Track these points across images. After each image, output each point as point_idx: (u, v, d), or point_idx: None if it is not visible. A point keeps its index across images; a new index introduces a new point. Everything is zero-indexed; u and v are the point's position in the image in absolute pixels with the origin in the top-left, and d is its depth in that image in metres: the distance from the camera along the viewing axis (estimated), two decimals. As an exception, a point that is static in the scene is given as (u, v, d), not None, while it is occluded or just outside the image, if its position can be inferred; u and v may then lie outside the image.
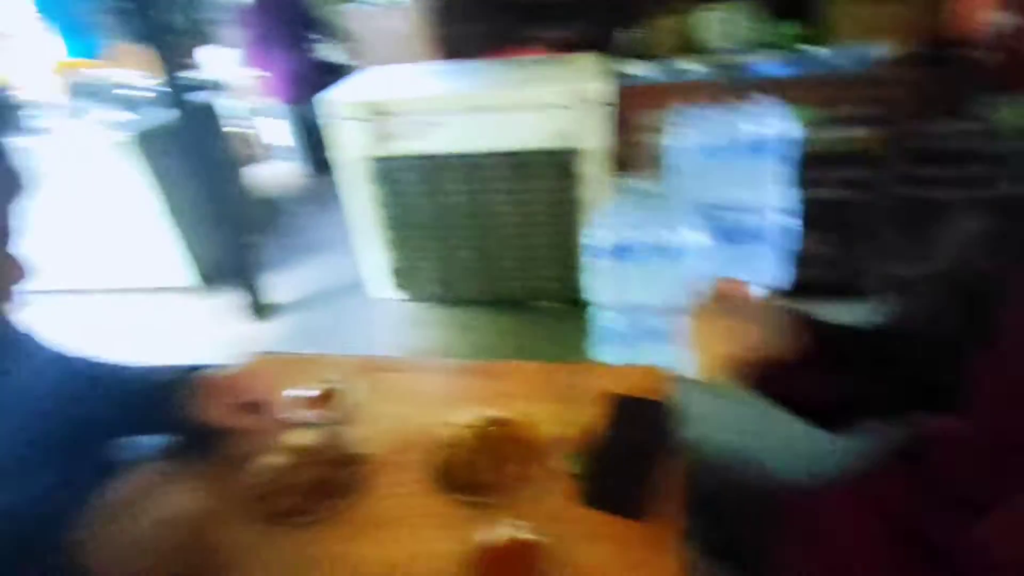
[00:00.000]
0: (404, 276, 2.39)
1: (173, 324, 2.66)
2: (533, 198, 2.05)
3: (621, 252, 1.72)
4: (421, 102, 2.00)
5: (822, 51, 2.04)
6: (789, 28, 2.19)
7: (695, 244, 1.68)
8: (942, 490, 0.56)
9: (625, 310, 1.78)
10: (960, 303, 0.65)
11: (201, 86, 2.97)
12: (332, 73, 4.27)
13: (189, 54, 3.86)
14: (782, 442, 0.93)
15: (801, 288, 1.97)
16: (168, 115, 2.22)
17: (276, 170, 4.47)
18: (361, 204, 2.23)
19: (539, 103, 1.90)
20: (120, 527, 0.50)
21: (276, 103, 4.02)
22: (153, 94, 2.59)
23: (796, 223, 1.81)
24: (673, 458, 0.69)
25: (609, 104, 1.90)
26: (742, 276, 0.75)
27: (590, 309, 1.84)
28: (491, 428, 0.74)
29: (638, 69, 2.11)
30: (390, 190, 2.18)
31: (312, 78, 3.92)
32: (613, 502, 0.65)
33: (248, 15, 3.72)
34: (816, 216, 1.94)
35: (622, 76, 2.06)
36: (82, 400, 0.70)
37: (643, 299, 1.71)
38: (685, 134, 1.83)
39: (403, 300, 2.46)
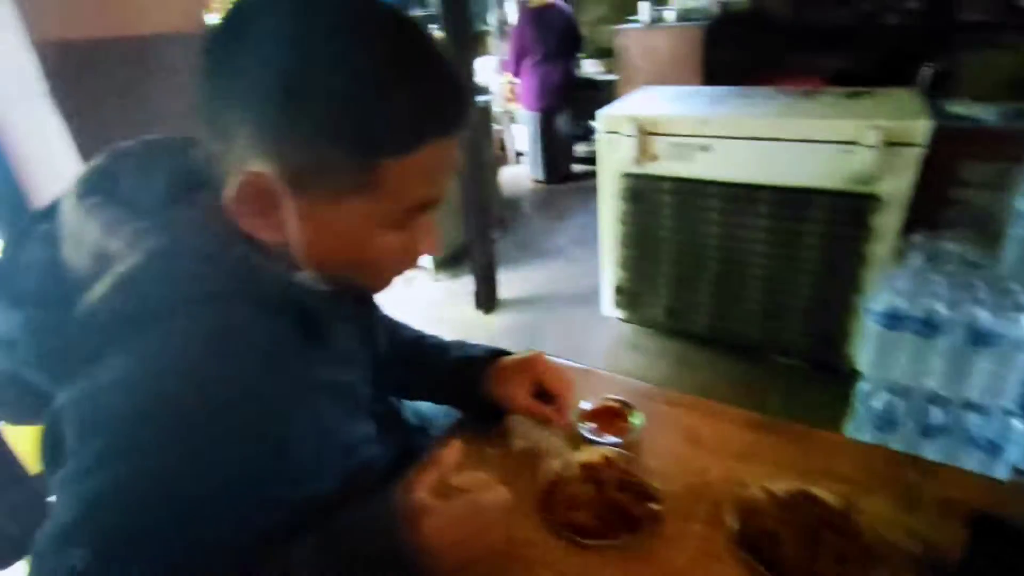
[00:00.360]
0: (630, 297, 2.33)
1: (408, 300, 2.96)
2: (801, 241, 1.84)
3: (916, 326, 1.45)
4: (693, 123, 1.92)
5: None
6: None
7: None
8: None
9: (910, 395, 1.49)
10: None
11: (481, 89, 3.26)
12: (584, 88, 4.42)
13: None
14: None
15: None
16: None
17: (516, 173, 4.76)
18: (608, 219, 2.23)
19: (833, 138, 1.69)
20: (443, 503, 0.51)
21: (523, 111, 4.28)
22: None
23: None
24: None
25: (924, 148, 1.61)
26: None
27: (859, 384, 1.57)
28: (804, 503, 0.63)
29: (970, 111, 1.76)
30: (637, 208, 2.14)
31: (562, 91, 4.10)
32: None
33: (516, 28, 4.01)
34: None
35: (946, 117, 1.74)
36: (408, 362, 0.77)
37: (939, 387, 1.42)
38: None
39: (625, 320, 2.40)
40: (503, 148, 4.93)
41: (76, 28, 1.20)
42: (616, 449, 0.73)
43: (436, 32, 3.91)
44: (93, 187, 0.50)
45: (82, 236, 0.47)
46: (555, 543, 0.63)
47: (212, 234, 0.48)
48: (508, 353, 0.81)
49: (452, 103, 0.48)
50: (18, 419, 0.62)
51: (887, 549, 0.59)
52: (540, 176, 4.45)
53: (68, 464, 0.42)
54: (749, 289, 2.02)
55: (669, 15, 3.65)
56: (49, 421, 0.46)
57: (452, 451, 0.55)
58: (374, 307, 0.73)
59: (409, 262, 0.56)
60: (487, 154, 2.99)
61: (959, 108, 1.80)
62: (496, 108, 4.52)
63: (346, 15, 0.45)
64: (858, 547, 0.59)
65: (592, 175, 4.35)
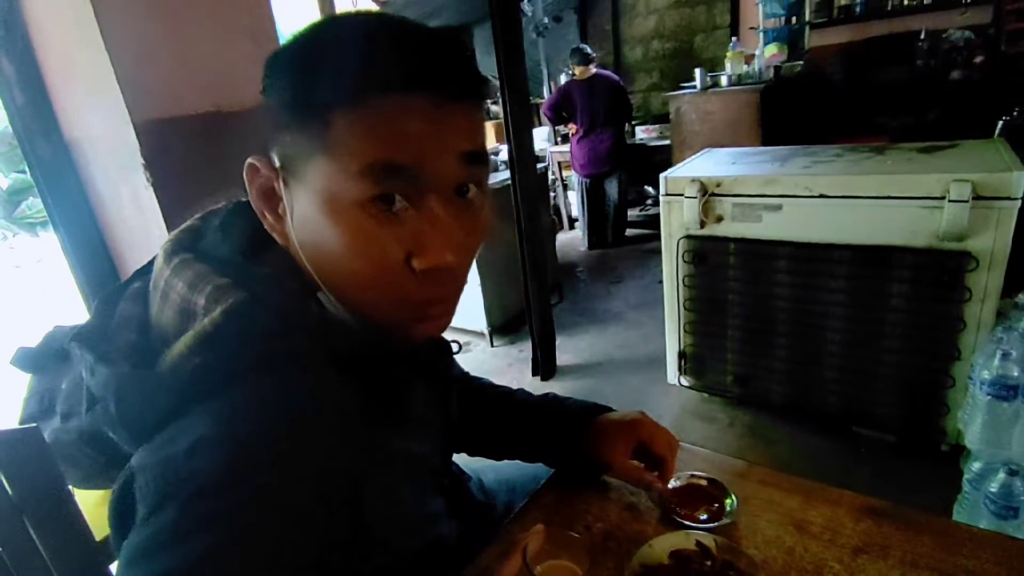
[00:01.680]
0: (695, 362, 2.22)
1: (465, 366, 2.93)
2: (886, 303, 1.71)
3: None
4: (759, 182, 1.87)
5: None
6: None
7: None
8: None
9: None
10: None
11: (536, 157, 3.34)
12: (638, 153, 4.47)
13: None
14: None
15: None
16: (509, 176, 2.50)
17: (570, 238, 4.78)
18: (671, 282, 2.16)
19: (914, 193, 1.60)
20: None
21: (576, 177, 4.34)
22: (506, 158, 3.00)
23: None
24: None
25: (1018, 200, 1.50)
26: None
27: (968, 463, 1.41)
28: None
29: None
30: (702, 271, 2.07)
31: (613, 157, 4.15)
32: None
33: (568, 95, 4.14)
34: None
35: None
36: (497, 418, 0.75)
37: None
38: None
39: (690, 387, 2.28)
40: (557, 214, 4.99)
41: (174, 108, 1.30)
42: (710, 535, 0.65)
43: (492, 105, 4.11)
44: (181, 245, 0.50)
45: (169, 293, 0.47)
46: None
47: (287, 289, 0.47)
48: (610, 409, 0.78)
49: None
50: (89, 482, 0.61)
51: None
52: (591, 241, 4.45)
53: (135, 535, 0.39)
54: (827, 355, 1.88)
55: (723, 80, 3.69)
56: (121, 484, 0.44)
57: (535, 536, 0.50)
58: (449, 368, 0.70)
59: (426, 283, 0.46)
60: (543, 218, 3.02)
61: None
62: (550, 176, 4.61)
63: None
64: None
65: (646, 239, 4.37)
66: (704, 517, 0.69)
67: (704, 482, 0.73)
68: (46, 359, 0.56)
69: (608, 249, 4.42)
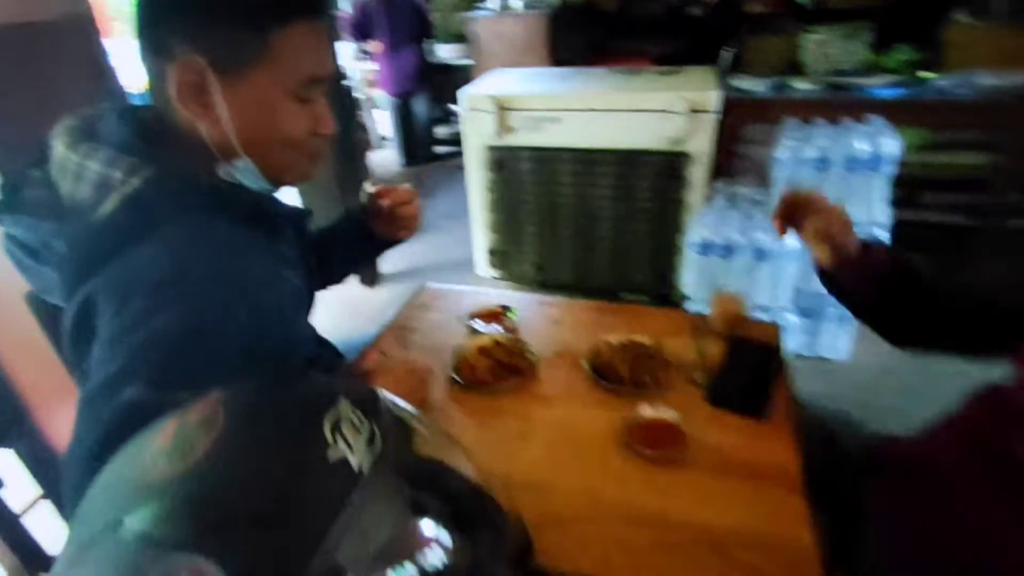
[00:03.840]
0: (501, 257, 2.62)
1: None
2: (637, 195, 2.23)
3: (720, 251, 1.87)
4: (543, 99, 2.22)
5: (935, 77, 2.12)
6: (902, 53, 2.27)
7: (792, 250, 1.81)
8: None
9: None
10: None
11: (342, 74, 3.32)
12: (440, 72, 4.62)
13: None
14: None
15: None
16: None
17: (382, 158, 4.86)
18: (477, 188, 2.48)
19: (653, 108, 2.08)
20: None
21: (384, 96, 4.40)
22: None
23: (892, 241, 1.90)
24: (782, 379, 0.86)
25: (718, 114, 2.05)
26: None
27: (685, 305, 1.99)
28: (633, 345, 0.93)
29: (747, 84, 2.25)
30: (501, 177, 2.42)
31: (417, 76, 4.28)
32: (735, 402, 0.82)
33: (368, 14, 4.11)
34: (917, 238, 2.01)
35: (731, 89, 2.21)
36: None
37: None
38: (791, 148, 1.96)
39: (499, 279, 2.68)
40: (366, 133, 4.99)
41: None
42: (501, 334, 0.98)
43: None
44: (80, 138, 0.64)
45: (82, 173, 0.62)
46: (466, 394, 0.87)
47: (190, 163, 0.65)
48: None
49: None
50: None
51: (680, 362, 0.91)
52: (405, 159, 4.59)
53: (108, 329, 0.57)
54: (600, 240, 2.39)
55: (516, 3, 3.96)
56: (77, 308, 0.60)
57: (384, 338, 0.76)
58: (308, 227, 0.90)
59: (318, 143, 0.71)
60: (356, 137, 3.10)
61: (741, 83, 2.28)
62: (357, 94, 4.57)
63: None
64: (663, 364, 0.89)
65: (455, 155, 4.62)
66: (499, 328, 1.02)
67: (497, 308, 1.06)
68: None
69: (421, 166, 4.61)
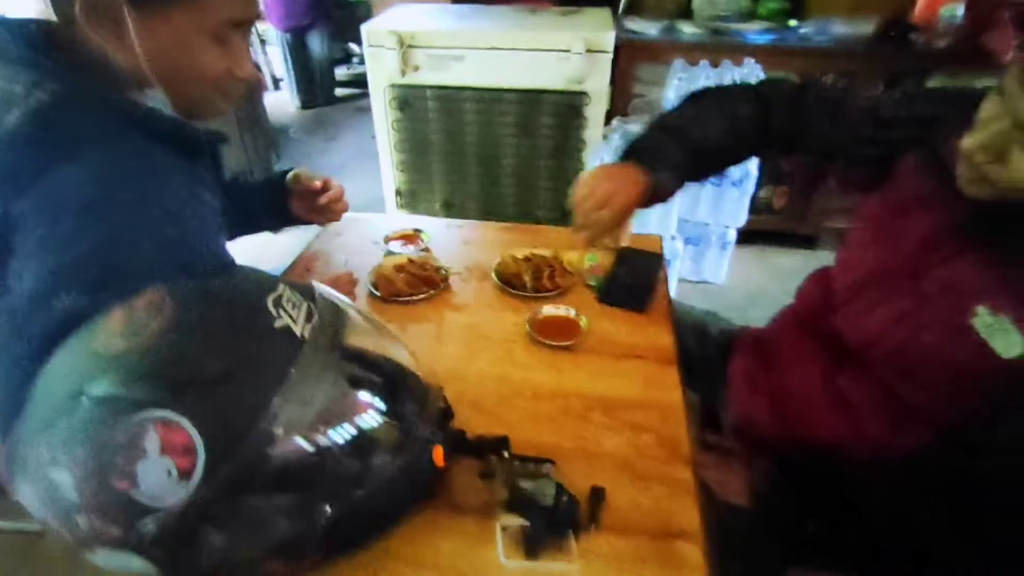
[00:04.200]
0: (409, 196, 2.64)
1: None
2: (539, 132, 2.32)
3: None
4: (446, 36, 2.22)
5: (800, 24, 2.34)
6: (774, 1, 2.47)
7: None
8: (840, 293, 0.88)
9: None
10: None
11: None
12: (338, 7, 4.38)
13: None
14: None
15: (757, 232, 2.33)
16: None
17: (278, 99, 4.58)
18: (382, 128, 2.46)
19: (553, 48, 2.15)
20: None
21: (276, 32, 4.12)
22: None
23: (757, 173, 2.14)
24: (663, 282, 1.00)
25: (613, 54, 2.16)
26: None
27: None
28: (535, 257, 1.04)
29: (640, 26, 2.37)
30: (407, 115, 2.41)
31: (310, 8, 4.01)
32: (622, 300, 0.96)
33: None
34: (777, 170, 2.28)
35: (625, 31, 2.33)
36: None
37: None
38: (679, 87, 2.12)
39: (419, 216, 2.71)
40: (259, 72, 4.67)
41: None
42: (416, 254, 1.05)
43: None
44: None
45: None
46: (385, 305, 0.95)
47: (100, 81, 0.65)
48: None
49: None
50: None
51: (576, 269, 1.03)
52: (301, 101, 4.37)
53: (34, 247, 0.58)
54: (505, 176, 2.47)
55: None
56: None
57: (307, 255, 0.80)
58: (221, 151, 0.90)
59: (236, 84, 0.72)
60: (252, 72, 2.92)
61: (634, 24, 2.40)
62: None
63: None
64: (562, 272, 1.01)
65: (358, 97, 4.47)
66: (414, 248, 1.09)
67: (412, 231, 1.13)
68: None
69: (321, 108, 4.41)
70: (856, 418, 0.80)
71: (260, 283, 0.52)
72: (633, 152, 0.90)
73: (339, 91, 4.62)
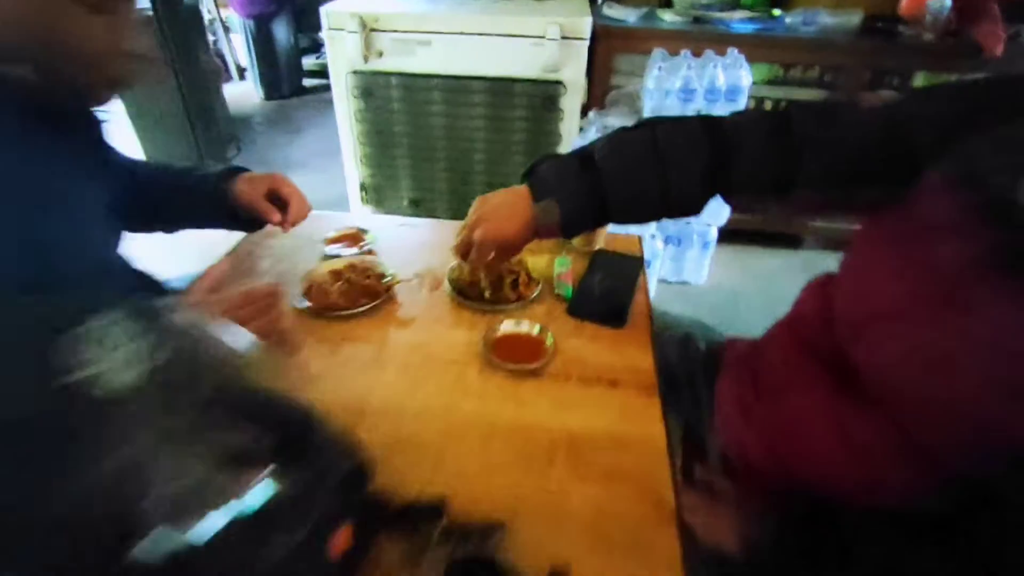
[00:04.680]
0: (374, 192, 2.48)
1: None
2: (512, 125, 2.18)
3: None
4: (412, 19, 2.06)
5: (785, 14, 2.24)
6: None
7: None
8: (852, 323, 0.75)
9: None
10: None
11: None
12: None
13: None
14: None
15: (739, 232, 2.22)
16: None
17: (242, 90, 4.37)
18: (345, 118, 2.29)
19: (526, 33, 2.01)
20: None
21: (238, 18, 3.91)
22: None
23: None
24: (643, 291, 0.87)
25: (589, 42, 2.03)
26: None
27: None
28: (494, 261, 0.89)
29: (618, 13, 2.24)
30: (370, 105, 2.25)
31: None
32: (595, 314, 0.82)
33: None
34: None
35: (603, 18, 2.19)
36: (161, 191, 0.82)
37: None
38: (659, 78, 2.00)
39: (376, 215, 2.55)
40: (222, 60, 4.44)
41: None
42: (360, 257, 0.90)
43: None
44: None
45: None
46: (317, 321, 0.80)
47: None
48: (248, 170, 0.88)
49: None
50: None
51: (544, 276, 0.89)
52: (265, 91, 4.16)
53: None
54: (475, 172, 2.32)
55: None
56: None
57: (219, 265, 0.65)
58: (101, 135, 0.74)
59: (118, 60, 0.58)
60: (204, 62, 2.72)
61: (612, 11, 2.27)
62: (204, 13, 4.01)
63: None
64: (526, 280, 0.87)
65: (326, 88, 4.26)
66: (355, 251, 0.94)
67: (354, 230, 0.98)
68: None
69: (286, 100, 4.21)
70: (865, 459, 0.67)
71: (58, 312, 0.36)
72: (539, 181, 0.75)
73: (307, 82, 4.41)
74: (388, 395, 0.70)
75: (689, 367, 0.97)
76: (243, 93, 4.32)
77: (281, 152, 3.32)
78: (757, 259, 2.51)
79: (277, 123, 3.85)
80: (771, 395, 0.80)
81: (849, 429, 0.70)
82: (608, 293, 0.86)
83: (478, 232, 0.73)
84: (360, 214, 2.52)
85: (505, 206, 0.74)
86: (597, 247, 0.97)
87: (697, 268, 2.32)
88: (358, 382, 0.72)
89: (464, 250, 0.76)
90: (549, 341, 0.76)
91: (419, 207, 2.46)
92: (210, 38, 4.19)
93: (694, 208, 0.74)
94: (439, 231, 1.05)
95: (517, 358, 0.73)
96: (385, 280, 0.86)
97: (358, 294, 0.82)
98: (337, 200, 2.72)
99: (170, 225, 0.86)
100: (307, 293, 0.83)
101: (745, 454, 0.79)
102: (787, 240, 2.55)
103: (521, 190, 0.75)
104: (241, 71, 4.56)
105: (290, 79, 4.22)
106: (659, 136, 0.72)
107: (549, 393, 0.71)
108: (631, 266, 0.93)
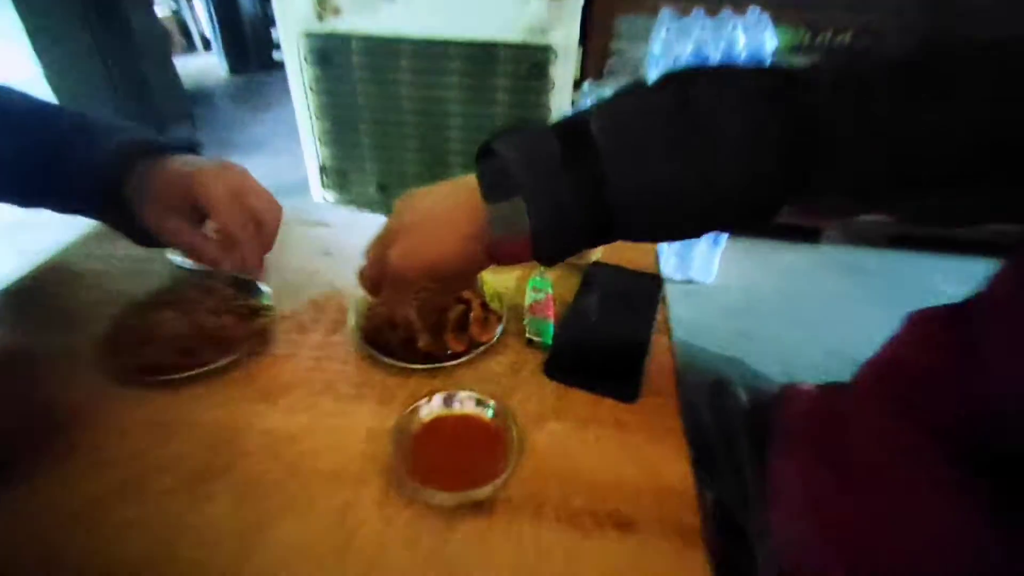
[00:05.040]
0: (337, 176, 2.15)
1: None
2: (494, 96, 1.85)
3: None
4: (373, -31, 1.72)
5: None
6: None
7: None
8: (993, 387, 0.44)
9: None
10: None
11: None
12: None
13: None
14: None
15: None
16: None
17: (206, 63, 4.00)
18: (299, 89, 1.95)
19: (509, -12, 1.68)
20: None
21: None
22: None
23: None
24: (664, 332, 0.56)
25: (584, 1, 1.70)
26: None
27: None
28: (428, 300, 0.58)
29: (620, -34, 1.91)
30: (328, 74, 1.92)
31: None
32: (589, 377, 0.51)
33: None
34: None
35: (602, -29, 1.86)
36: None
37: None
38: (667, 42, 1.68)
39: (338, 204, 2.22)
40: (183, 31, 4.07)
41: None
42: (222, 275, 0.58)
43: None
44: None
45: None
46: (129, 391, 0.48)
47: None
48: (195, 150, 0.54)
49: None
50: None
51: (513, 306, 0.58)
52: (230, 64, 3.80)
53: None
54: (452, 153, 2.00)
55: None
56: None
57: None
58: None
59: None
60: (144, 26, 2.36)
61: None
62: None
63: None
64: (482, 317, 0.56)
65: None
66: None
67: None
68: None
69: (254, 74, 3.84)
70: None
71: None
72: (495, 171, 0.41)
73: (277, 55, 4.05)
74: (211, 543, 0.39)
75: (726, 427, 0.67)
76: (207, 66, 3.95)
77: (243, 132, 2.97)
78: (771, 254, 2.21)
79: (242, 100, 3.50)
80: (863, 486, 0.50)
81: (993, 559, 0.40)
82: (610, 339, 0.54)
83: (394, 253, 0.42)
84: (319, 202, 2.20)
85: (441, 211, 0.43)
86: (593, 259, 0.66)
87: (705, 265, 2.02)
88: (166, 516, 0.40)
89: (373, 282, 0.45)
90: (513, 434, 0.44)
91: (388, 192, 2.14)
92: (171, 4, 3.82)
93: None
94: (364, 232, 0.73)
95: (454, 474, 0.42)
96: (260, 316, 0.54)
97: (202, 344, 0.50)
98: (296, 185, 2.39)
99: (28, 199, 0.52)
100: (116, 342, 0.51)
101: (817, 568, 0.49)
102: (804, 233, 2.25)
103: (470, 183, 0.43)
104: (206, 42, 4.18)
105: (258, 51, 3.86)
106: (699, 98, 0.39)
107: (504, 550, 0.39)
108: (645, 289, 0.62)
